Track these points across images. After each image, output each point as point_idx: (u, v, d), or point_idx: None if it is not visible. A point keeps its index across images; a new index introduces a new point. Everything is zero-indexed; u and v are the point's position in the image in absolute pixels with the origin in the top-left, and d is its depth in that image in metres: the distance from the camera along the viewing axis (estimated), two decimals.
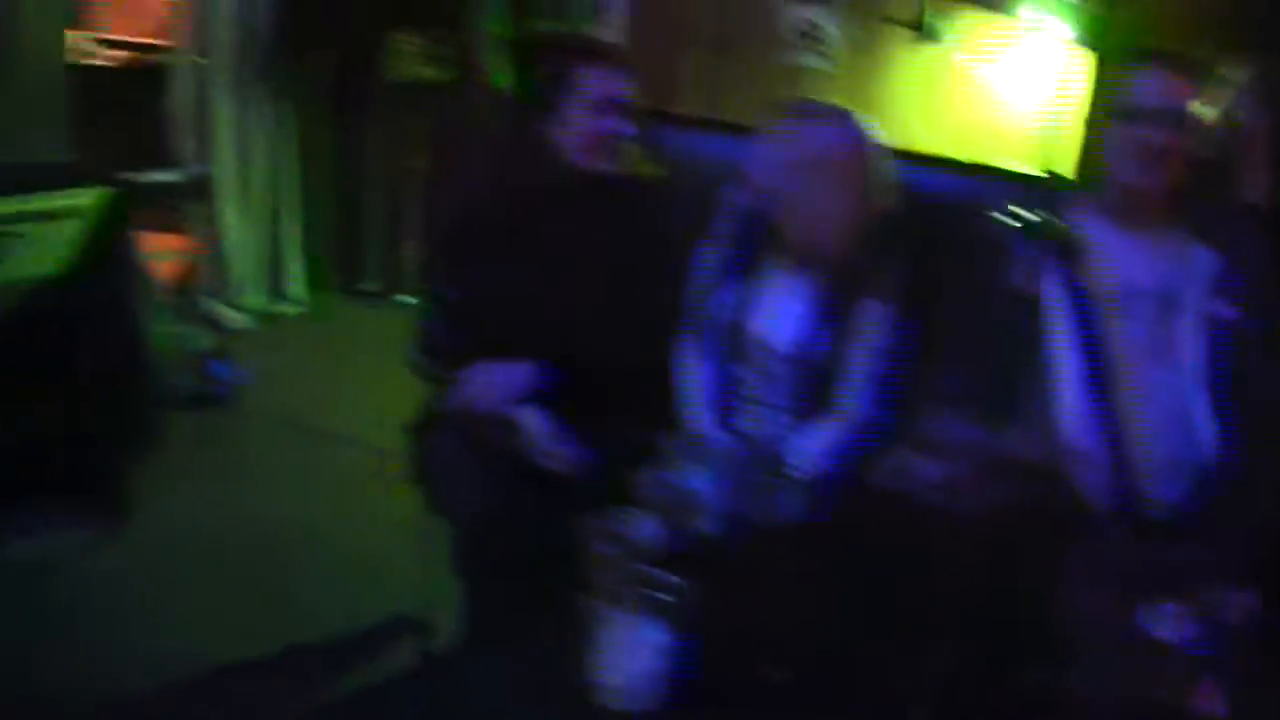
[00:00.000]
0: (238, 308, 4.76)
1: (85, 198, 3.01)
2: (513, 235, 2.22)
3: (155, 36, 4.67)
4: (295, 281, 5.07)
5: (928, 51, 4.42)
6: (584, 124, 2.17)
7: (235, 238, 4.76)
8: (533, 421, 2.11)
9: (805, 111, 2.13)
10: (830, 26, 4.70)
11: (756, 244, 2.18)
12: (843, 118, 2.09)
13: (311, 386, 4.31)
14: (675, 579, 1.55)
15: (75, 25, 3.35)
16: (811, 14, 4.74)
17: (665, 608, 1.53)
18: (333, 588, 3.06)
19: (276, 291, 5.01)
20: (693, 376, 2.24)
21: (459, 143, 4.80)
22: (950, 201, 2.40)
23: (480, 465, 2.12)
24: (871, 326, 2.10)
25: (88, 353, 3.12)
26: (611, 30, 5.08)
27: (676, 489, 1.80)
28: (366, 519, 3.44)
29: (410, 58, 5.13)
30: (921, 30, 4.44)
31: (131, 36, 4.71)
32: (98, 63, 4.45)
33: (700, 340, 2.24)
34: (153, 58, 4.61)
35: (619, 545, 1.60)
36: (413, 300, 5.18)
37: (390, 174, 5.28)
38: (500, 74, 4.98)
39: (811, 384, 2.12)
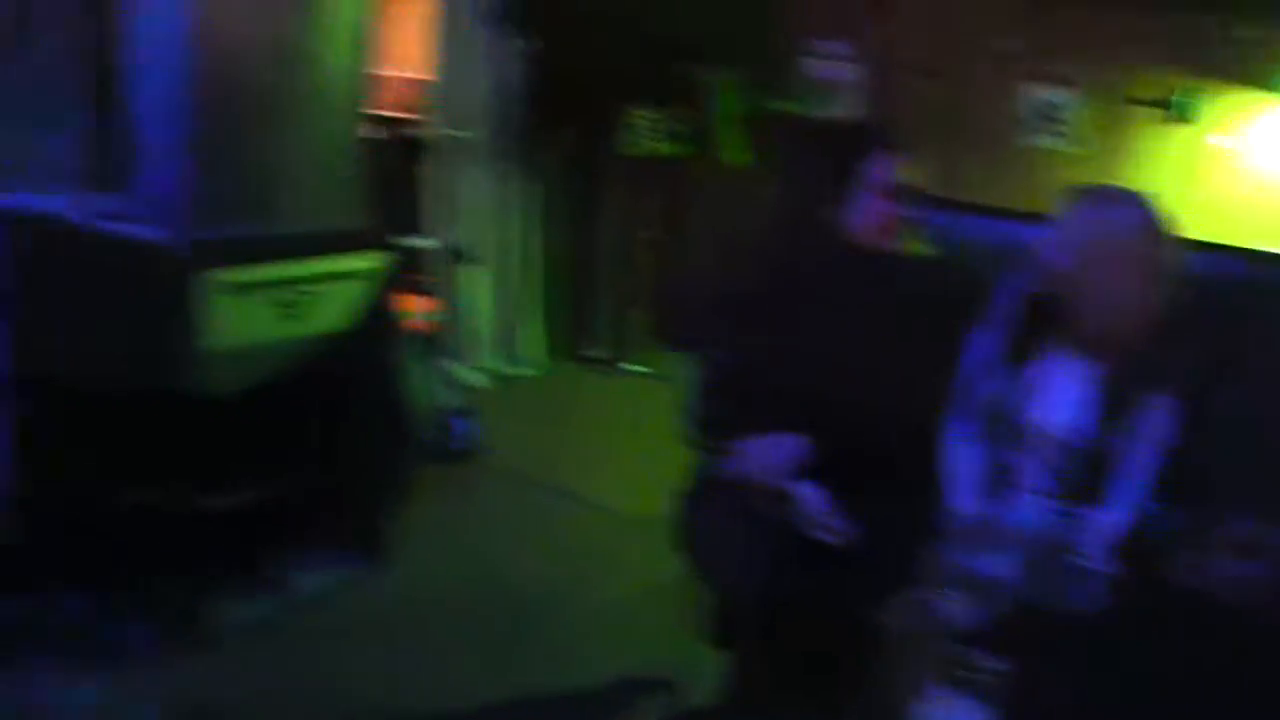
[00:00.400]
0: (476, 368, 4.98)
1: (365, 261, 3.25)
2: (788, 309, 2.27)
3: (412, 112, 4.98)
4: (530, 346, 5.29)
5: (1178, 132, 4.32)
6: (866, 206, 2.22)
7: (477, 302, 5.00)
8: (807, 495, 2.15)
9: (1098, 195, 2.13)
10: (1071, 108, 4.65)
11: (1036, 328, 2.17)
12: (1136, 202, 2.08)
13: (545, 447, 4.48)
14: (994, 661, 1.55)
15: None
16: (1050, 95, 4.71)
17: (984, 689, 1.54)
18: (565, 644, 3.17)
19: (512, 355, 5.23)
20: (961, 459, 2.24)
21: (719, 217, 4.93)
22: (1233, 287, 2.35)
23: (753, 537, 2.16)
24: (1156, 416, 2.06)
25: (359, 405, 3.34)
26: (844, 110, 5.18)
27: (968, 571, 1.80)
28: (597, 575, 3.55)
29: (646, 133, 5.32)
30: (1170, 110, 4.34)
31: (391, 112, 5.04)
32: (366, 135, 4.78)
33: (969, 422, 2.24)
34: (410, 131, 4.92)
35: (930, 625, 1.61)
36: (638, 368, 5.35)
37: (622, 245, 5.46)
38: (735, 150, 5.12)
39: (1089, 472, 2.09)
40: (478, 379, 4.92)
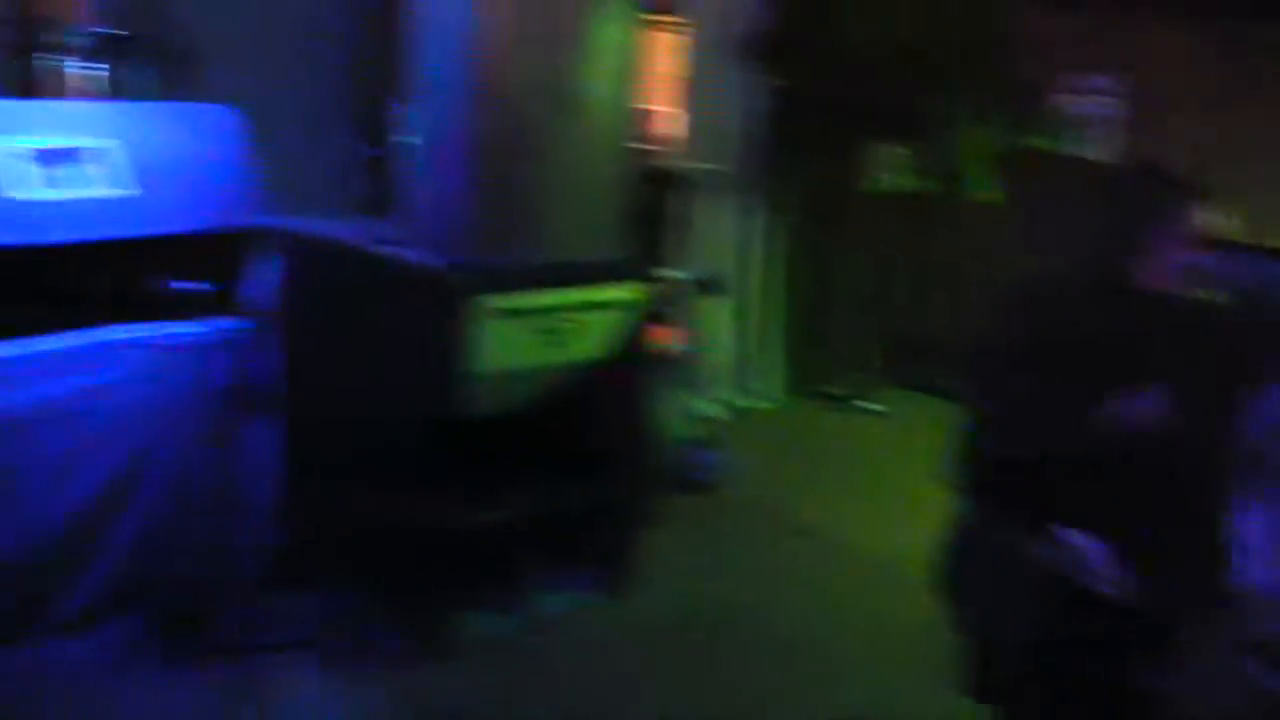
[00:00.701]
0: (713, 400, 5.01)
1: (624, 291, 3.32)
2: (1068, 355, 2.19)
3: (662, 145, 5.07)
4: (767, 379, 5.28)
5: None
6: (1163, 253, 2.14)
7: (717, 334, 5.03)
8: (1082, 544, 2.07)
9: None
10: None
11: None
12: None
13: (783, 482, 4.47)
14: None
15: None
16: None
17: None
18: (799, 684, 3.14)
19: (748, 387, 5.23)
20: (1251, 521, 2.10)
21: (967, 255, 4.84)
22: None
23: (1023, 586, 2.09)
24: None
25: (610, 433, 3.41)
26: (1099, 147, 4.99)
27: (1274, 642, 1.69)
28: (836, 614, 3.51)
29: (891, 168, 5.26)
30: None
31: (643, 145, 5.15)
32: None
33: (1260, 483, 2.10)
34: (660, 164, 5.01)
35: (1242, 696, 1.51)
36: (876, 407, 5.27)
37: (864, 281, 5.40)
38: (983, 186, 5.00)
39: None
40: (715, 411, 4.95)
